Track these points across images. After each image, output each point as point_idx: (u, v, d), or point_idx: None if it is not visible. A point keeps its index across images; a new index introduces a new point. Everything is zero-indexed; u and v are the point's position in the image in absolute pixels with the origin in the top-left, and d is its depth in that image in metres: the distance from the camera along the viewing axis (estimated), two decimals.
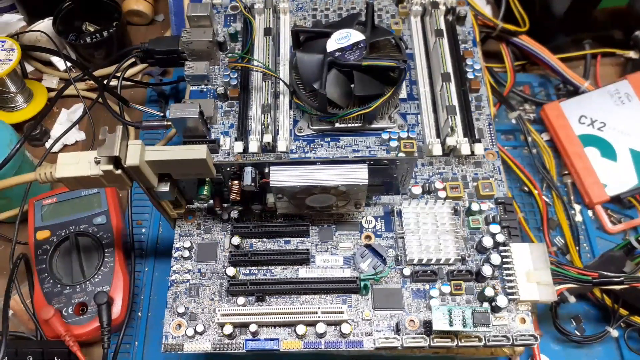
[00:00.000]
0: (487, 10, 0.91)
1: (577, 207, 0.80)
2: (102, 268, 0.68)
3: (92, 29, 0.91)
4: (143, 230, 0.77)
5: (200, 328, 0.57)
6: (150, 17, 0.96)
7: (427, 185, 0.65)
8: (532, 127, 0.84)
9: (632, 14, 0.88)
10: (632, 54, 0.91)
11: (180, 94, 0.89)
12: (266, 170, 0.56)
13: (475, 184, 0.65)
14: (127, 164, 0.49)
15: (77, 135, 0.85)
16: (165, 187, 0.55)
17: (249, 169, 0.56)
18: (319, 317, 0.56)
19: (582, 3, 0.83)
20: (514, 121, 0.86)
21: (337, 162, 0.55)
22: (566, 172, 0.82)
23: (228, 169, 0.57)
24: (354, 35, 0.65)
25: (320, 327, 0.56)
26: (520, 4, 0.88)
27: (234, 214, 0.63)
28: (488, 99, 0.72)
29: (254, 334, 0.57)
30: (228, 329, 0.56)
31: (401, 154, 0.66)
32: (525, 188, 0.81)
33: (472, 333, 0.55)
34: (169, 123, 0.65)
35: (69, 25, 0.90)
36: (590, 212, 0.79)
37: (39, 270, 0.68)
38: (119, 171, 0.50)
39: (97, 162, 0.50)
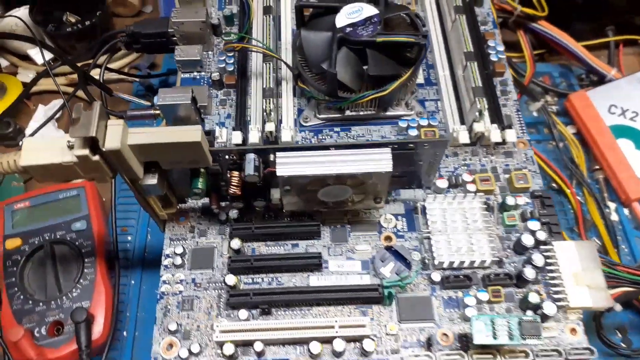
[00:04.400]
0: None
1: (612, 205, 0.72)
2: (81, 281, 0.59)
3: (73, 20, 0.83)
4: (129, 237, 0.68)
5: (195, 348, 0.48)
6: (137, 8, 0.89)
7: (453, 177, 0.57)
8: (556, 118, 0.77)
9: None
10: None
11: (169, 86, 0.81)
12: (271, 158, 0.48)
13: (507, 175, 0.58)
14: (106, 148, 0.41)
15: (56, 133, 0.76)
16: (152, 180, 0.46)
17: (251, 157, 0.47)
18: (336, 332, 0.48)
19: None
20: (535, 113, 0.79)
21: (355, 147, 0.47)
22: (597, 167, 0.74)
23: (227, 156, 0.48)
24: (366, 10, 0.58)
25: (338, 345, 0.48)
26: None
27: (233, 213, 0.55)
28: (513, 84, 0.65)
29: (260, 353, 0.48)
30: (229, 349, 0.47)
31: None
32: (554, 185, 0.73)
33: (520, 347, 0.47)
34: (158, 112, 0.57)
35: (48, 15, 0.82)
36: (626, 210, 0.71)
37: (7, 284, 0.59)
38: (97, 157, 0.42)
39: (71, 147, 0.42)
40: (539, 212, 0.55)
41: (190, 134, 0.42)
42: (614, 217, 0.71)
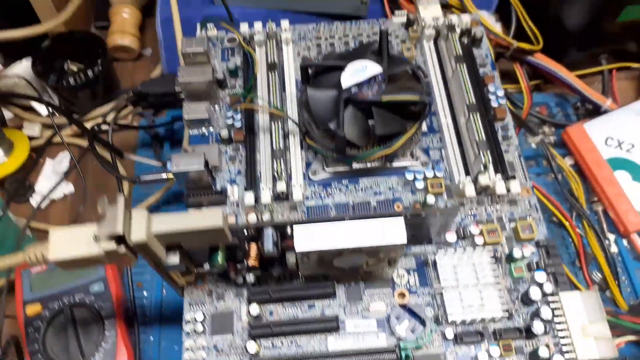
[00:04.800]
0: (497, 28, 0.86)
1: (611, 237, 0.74)
2: (102, 344, 0.61)
3: (75, 68, 0.84)
4: (145, 293, 0.69)
5: None
6: (137, 52, 0.89)
7: (461, 230, 0.59)
8: (555, 151, 0.79)
9: None
10: None
11: (176, 134, 0.82)
12: (288, 230, 0.49)
13: (512, 225, 0.60)
14: (133, 241, 0.42)
15: (65, 187, 0.77)
16: (175, 259, 0.48)
17: (269, 232, 0.49)
18: None
19: (599, 18, 0.78)
20: (534, 146, 0.81)
21: (369, 217, 0.48)
22: (595, 199, 0.77)
23: (245, 231, 0.50)
24: (370, 68, 0.59)
25: None
26: (532, 20, 0.83)
27: (250, 277, 0.56)
28: (514, 128, 0.67)
29: None
30: None
31: (430, 197, 0.59)
32: (555, 219, 0.75)
33: None
34: (171, 177, 0.58)
35: (49, 65, 0.82)
36: (625, 242, 0.74)
37: (30, 351, 0.60)
38: (123, 248, 0.43)
39: (97, 240, 0.43)
40: (545, 262, 0.57)
41: (213, 219, 0.44)
42: (614, 248, 0.73)
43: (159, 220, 0.44)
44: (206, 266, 0.58)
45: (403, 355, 0.51)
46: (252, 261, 0.50)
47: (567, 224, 0.73)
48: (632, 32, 0.85)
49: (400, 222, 0.48)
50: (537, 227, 0.59)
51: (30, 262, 0.45)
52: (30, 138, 0.80)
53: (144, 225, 0.43)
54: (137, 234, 0.42)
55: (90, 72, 0.82)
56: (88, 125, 0.75)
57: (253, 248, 0.50)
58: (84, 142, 0.79)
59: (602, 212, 0.76)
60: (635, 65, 0.88)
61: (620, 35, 0.86)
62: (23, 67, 0.80)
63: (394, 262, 0.53)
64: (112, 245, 0.42)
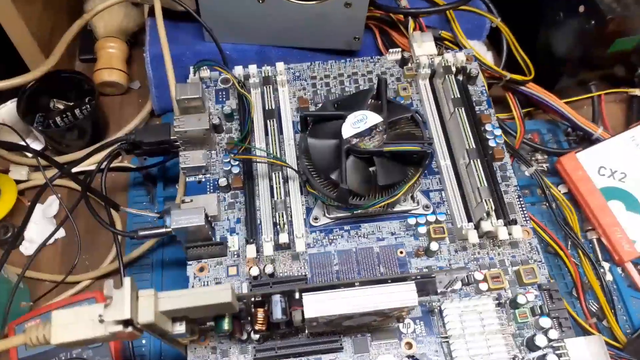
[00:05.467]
0: (488, 58, 0.86)
1: (606, 265, 0.76)
2: None
3: (61, 106, 0.82)
4: (143, 341, 0.68)
5: None
6: (125, 87, 0.87)
7: (465, 277, 0.59)
8: (548, 180, 0.80)
9: (637, 51, 0.85)
10: (637, 92, 0.88)
11: (168, 171, 0.80)
12: (296, 295, 0.49)
13: (515, 268, 0.60)
14: (141, 323, 0.41)
15: (56, 233, 0.75)
16: (181, 329, 0.47)
17: (277, 299, 0.48)
18: None
19: (590, 49, 0.79)
20: (527, 174, 0.82)
21: (379, 282, 0.48)
22: (590, 228, 0.78)
23: (252, 298, 0.49)
24: (371, 118, 0.59)
25: None
26: (522, 49, 0.83)
27: (255, 336, 0.56)
28: (512, 168, 0.67)
29: None
30: None
31: (434, 244, 0.59)
32: (550, 249, 0.76)
33: None
34: (169, 230, 0.57)
35: (35, 105, 0.80)
36: (620, 270, 0.75)
37: None
38: (130, 329, 0.42)
39: (101, 321, 0.42)
40: (548, 307, 0.57)
41: (222, 295, 0.43)
42: (609, 277, 0.75)
43: (166, 300, 0.43)
44: (210, 323, 0.57)
45: None
46: (259, 326, 0.50)
47: (562, 254, 0.74)
48: (620, 58, 0.86)
49: (411, 286, 0.48)
50: (539, 270, 0.60)
51: (32, 344, 0.43)
52: (17, 182, 0.77)
53: (152, 308, 0.42)
54: (145, 317, 0.41)
55: (77, 111, 0.80)
56: (77, 170, 0.73)
57: (260, 313, 0.50)
58: (73, 185, 0.77)
59: (597, 241, 0.77)
60: (623, 90, 0.89)
61: (610, 62, 0.88)
62: (8, 110, 0.77)
63: (403, 319, 0.53)
64: (118, 328, 0.41)
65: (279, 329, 0.53)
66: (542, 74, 0.84)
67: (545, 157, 0.85)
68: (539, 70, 0.83)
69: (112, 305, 0.40)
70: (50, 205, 0.77)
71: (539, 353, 0.55)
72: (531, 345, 0.56)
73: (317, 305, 0.47)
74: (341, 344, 0.55)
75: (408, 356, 0.55)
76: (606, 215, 0.76)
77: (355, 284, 0.48)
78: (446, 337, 0.55)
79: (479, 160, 0.62)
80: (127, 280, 0.41)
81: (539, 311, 0.57)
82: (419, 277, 0.49)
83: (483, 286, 0.58)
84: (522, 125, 0.82)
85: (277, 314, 0.48)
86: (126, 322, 0.41)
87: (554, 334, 0.55)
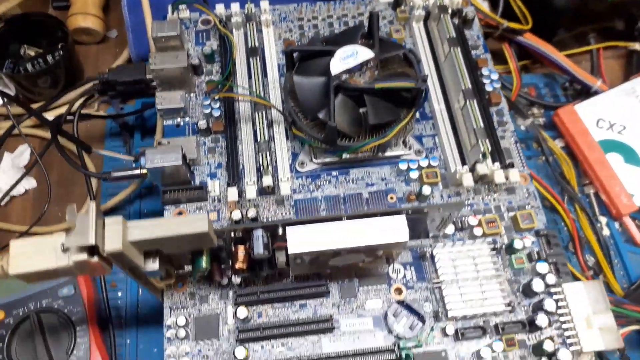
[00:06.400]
0: (485, 7, 0.83)
1: (603, 220, 0.73)
2: (75, 351, 0.56)
3: (32, 53, 0.77)
4: (119, 293, 0.65)
5: None
6: (101, 34, 0.83)
7: (459, 221, 0.56)
8: (546, 134, 0.77)
9: (636, 3, 0.81)
10: (637, 46, 0.85)
11: (147, 122, 0.76)
12: (279, 230, 0.45)
13: (511, 214, 0.57)
14: (107, 251, 0.38)
15: (27, 182, 0.71)
16: (154, 265, 0.43)
17: (259, 234, 0.45)
18: None
19: (591, 1, 0.75)
20: (523, 128, 0.79)
21: (367, 216, 0.45)
22: (587, 182, 0.75)
23: (232, 234, 0.46)
24: (362, 53, 0.55)
25: None
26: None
27: (236, 279, 0.52)
28: (509, 113, 0.64)
29: None
30: None
31: (426, 187, 0.56)
32: (547, 203, 0.73)
33: None
34: (144, 172, 0.53)
35: (4, 51, 0.75)
36: (617, 224, 0.73)
37: None
38: (96, 259, 0.38)
39: (65, 250, 0.38)
40: (546, 252, 0.55)
41: (198, 224, 0.39)
42: (606, 231, 0.72)
43: (136, 228, 0.39)
44: (187, 267, 0.54)
45: (403, 354, 0.48)
46: (239, 264, 0.46)
47: (559, 207, 0.71)
48: (620, 11, 0.83)
49: (401, 220, 0.45)
50: (537, 215, 0.57)
51: None
52: None
53: (119, 234, 0.38)
54: (112, 244, 0.38)
55: (49, 57, 0.75)
56: (49, 115, 0.69)
57: (241, 250, 0.46)
58: (46, 134, 0.73)
59: (594, 195, 0.74)
60: (624, 44, 0.86)
61: (609, 14, 0.84)
62: None
63: (393, 259, 0.49)
64: (83, 257, 0.37)
65: (261, 270, 0.50)
66: (539, 26, 0.80)
67: (542, 111, 0.82)
68: (536, 22, 0.80)
69: (76, 230, 0.37)
70: (21, 155, 0.73)
71: (536, 299, 0.53)
72: (528, 291, 0.53)
73: (301, 240, 0.44)
74: (327, 289, 0.52)
75: (398, 302, 0.52)
76: (604, 168, 0.73)
77: (343, 218, 0.45)
78: (438, 283, 0.52)
79: (475, 100, 0.59)
80: (92, 205, 0.37)
81: (536, 257, 0.54)
82: (410, 211, 0.45)
83: (477, 231, 0.55)
84: (518, 78, 0.79)
85: (259, 248, 0.44)
86: (91, 250, 0.38)
87: (551, 278, 0.52)
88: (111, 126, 0.76)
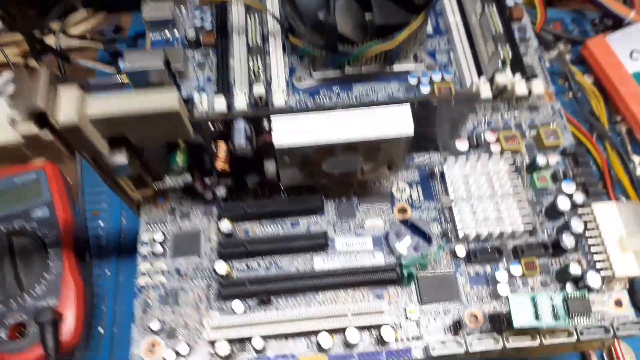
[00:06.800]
0: None
1: (636, 159, 0.66)
2: (45, 275, 0.51)
3: None
4: (101, 222, 0.60)
5: (184, 349, 0.41)
6: None
7: (474, 138, 0.49)
8: (574, 67, 0.70)
9: None
10: None
11: None
12: (265, 125, 0.40)
13: (534, 132, 0.50)
14: (60, 122, 0.33)
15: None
16: (121, 158, 0.38)
17: (240, 125, 0.39)
18: (349, 321, 0.41)
19: None
20: (548, 64, 0.71)
21: (367, 106, 0.39)
22: (619, 119, 0.68)
23: (211, 126, 0.40)
24: None
25: (352, 335, 0.41)
26: None
27: (221, 191, 0.47)
28: (533, 29, 0.57)
29: (260, 351, 0.41)
30: (223, 348, 0.40)
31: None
32: (574, 139, 0.66)
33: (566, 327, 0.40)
34: (126, 80, 0.48)
35: None
36: None
37: None
38: (48, 134, 0.33)
39: (13, 123, 0.33)
40: (573, 172, 0.48)
41: (166, 100, 0.34)
42: (639, 171, 0.65)
43: (97, 100, 0.34)
44: (169, 181, 0.49)
45: (405, 273, 0.42)
46: (220, 163, 0.41)
47: (590, 145, 0.64)
48: None
49: (405, 110, 0.38)
50: (563, 134, 0.50)
51: None
52: None
53: (74, 104, 0.33)
54: (66, 114, 0.32)
55: None
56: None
57: (222, 147, 0.41)
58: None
59: (626, 133, 0.67)
60: None
61: None
62: None
63: (395, 165, 0.43)
64: (32, 128, 0.32)
65: (247, 175, 0.44)
66: None
67: (569, 47, 0.74)
68: None
69: (21, 94, 0.32)
70: (6, 82, 0.68)
71: (561, 221, 0.46)
72: (551, 212, 0.46)
73: (289, 131, 0.38)
74: (322, 204, 0.46)
75: (402, 221, 0.46)
76: (638, 102, 0.66)
77: (337, 108, 0.39)
78: (449, 202, 0.46)
79: (494, 5, 0.52)
80: (42, 68, 0.32)
81: (562, 176, 0.48)
82: (416, 103, 0.39)
83: (495, 148, 0.49)
84: (542, 10, 0.72)
85: (240, 140, 0.38)
86: (40, 119, 0.32)
87: (579, 197, 0.46)
88: (103, 55, 0.71)
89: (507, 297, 0.39)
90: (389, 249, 0.45)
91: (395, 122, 0.38)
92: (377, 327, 0.42)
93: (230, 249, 0.44)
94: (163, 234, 0.46)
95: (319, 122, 0.38)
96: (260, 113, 0.39)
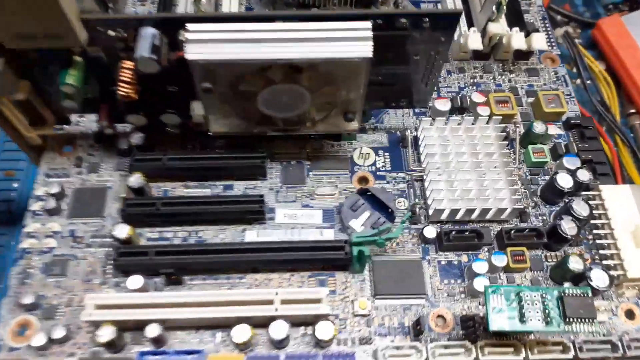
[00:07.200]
0: None
1: None
2: None
3: None
4: (15, 184, 0.50)
5: (59, 333, 0.31)
6: None
7: (458, 99, 0.40)
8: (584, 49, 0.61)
9: None
10: None
11: None
12: (182, 36, 0.30)
13: (532, 99, 0.41)
14: None
15: None
16: None
17: (147, 32, 0.30)
18: (275, 309, 0.31)
19: None
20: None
21: (313, 19, 0.30)
22: (633, 111, 0.59)
23: (111, 33, 0.30)
24: None
25: (278, 329, 0.31)
26: None
27: (137, 139, 0.37)
28: None
29: (157, 341, 0.31)
30: (107, 334, 0.30)
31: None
32: None
33: (556, 335, 0.30)
34: None
35: None
36: None
37: None
38: None
39: None
40: (578, 147, 0.39)
41: None
42: None
43: None
44: (79, 124, 0.39)
45: (354, 252, 0.32)
46: (124, 88, 0.31)
47: (600, 137, 0.55)
48: None
49: (365, 26, 0.29)
50: (567, 103, 0.41)
51: None
52: None
53: None
54: None
55: None
56: None
57: (127, 66, 0.31)
58: None
59: None
60: None
61: None
62: None
63: (353, 112, 0.34)
64: None
65: (166, 112, 0.35)
66: None
67: (579, 31, 0.66)
68: None
69: None
70: None
71: (560, 206, 0.36)
72: (549, 194, 0.37)
73: (206, 42, 0.29)
74: (263, 164, 0.37)
75: (360, 191, 0.37)
76: None
77: (276, 20, 0.29)
78: (421, 172, 0.37)
79: None
80: None
81: (564, 150, 0.38)
82: (379, 20, 0.30)
83: (483, 111, 0.39)
84: None
85: (144, 50, 0.29)
86: None
87: (584, 175, 0.36)
88: None
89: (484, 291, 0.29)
90: (343, 226, 0.35)
91: (350, 40, 0.29)
92: (313, 321, 0.32)
93: (137, 209, 0.35)
94: (61, 187, 0.37)
95: (251, 33, 0.29)
96: (171, 16, 0.30)
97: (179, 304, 0.31)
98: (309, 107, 0.33)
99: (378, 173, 0.38)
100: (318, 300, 0.31)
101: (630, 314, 0.33)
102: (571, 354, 0.31)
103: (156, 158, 0.36)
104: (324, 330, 0.31)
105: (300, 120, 0.34)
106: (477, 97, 0.40)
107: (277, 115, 0.33)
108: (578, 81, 0.60)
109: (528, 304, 0.28)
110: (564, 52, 0.62)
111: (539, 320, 0.28)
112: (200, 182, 0.37)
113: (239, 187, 0.37)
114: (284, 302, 0.31)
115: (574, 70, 0.61)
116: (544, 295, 0.29)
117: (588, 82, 0.59)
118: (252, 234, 0.35)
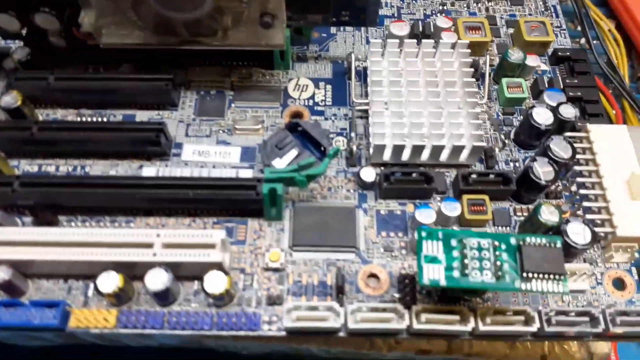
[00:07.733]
0: None
1: None
2: None
3: None
4: None
5: None
6: None
7: (420, 24, 0.33)
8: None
9: None
10: None
11: None
12: None
13: (512, 30, 0.34)
14: None
15: None
16: None
17: None
18: (154, 254, 0.24)
19: None
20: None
21: None
22: None
23: None
24: None
25: (155, 279, 0.24)
26: None
27: (20, 53, 0.31)
28: None
29: (9, 288, 0.25)
30: None
31: None
32: None
33: (514, 295, 0.23)
34: None
35: None
36: None
37: None
38: None
39: None
40: (565, 82, 0.31)
41: None
42: None
43: None
44: None
45: (265, 190, 0.25)
46: None
47: (606, 103, 0.47)
48: None
49: None
50: (557, 35, 0.34)
51: None
52: None
53: None
54: None
55: None
56: None
57: None
58: None
59: None
60: None
61: None
62: None
63: (272, 16, 0.27)
64: None
65: (39, 8, 0.28)
66: None
67: None
68: None
69: None
70: None
71: (537, 148, 0.29)
72: (523, 136, 0.29)
73: None
74: (169, 87, 0.30)
75: (289, 126, 0.30)
76: None
77: None
78: (365, 104, 0.30)
79: None
80: None
81: (547, 85, 0.31)
82: None
83: (448, 37, 0.32)
84: None
85: None
86: None
87: (568, 111, 0.29)
88: None
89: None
90: (265, 166, 0.29)
91: None
92: (203, 270, 0.25)
93: (9, 133, 0.28)
94: None
95: None
96: None
97: (33, 242, 0.24)
98: (213, 4, 0.26)
99: (316, 108, 0.31)
100: (211, 246, 0.24)
101: (619, 283, 0.26)
102: (535, 327, 0.23)
103: (41, 77, 0.30)
104: (214, 282, 0.24)
105: (208, 29, 0.28)
106: (443, 22, 0.32)
107: (175, 17, 0.27)
108: (583, 40, 0.53)
109: (474, 253, 0.21)
110: (569, 9, 0.55)
111: (487, 274, 0.21)
112: (97, 110, 0.31)
113: (143, 118, 0.31)
114: (166, 245, 0.24)
115: (579, 29, 0.54)
116: (496, 244, 0.22)
117: (595, 42, 0.52)
118: (151, 171, 0.29)
